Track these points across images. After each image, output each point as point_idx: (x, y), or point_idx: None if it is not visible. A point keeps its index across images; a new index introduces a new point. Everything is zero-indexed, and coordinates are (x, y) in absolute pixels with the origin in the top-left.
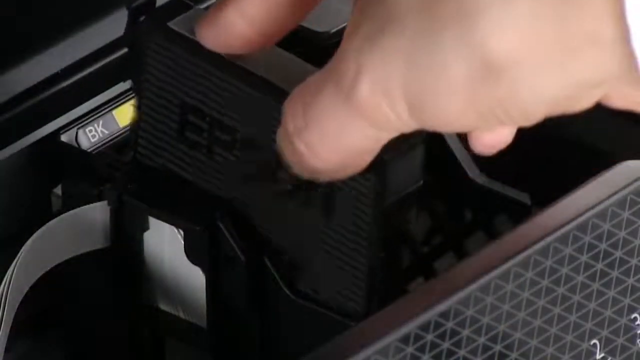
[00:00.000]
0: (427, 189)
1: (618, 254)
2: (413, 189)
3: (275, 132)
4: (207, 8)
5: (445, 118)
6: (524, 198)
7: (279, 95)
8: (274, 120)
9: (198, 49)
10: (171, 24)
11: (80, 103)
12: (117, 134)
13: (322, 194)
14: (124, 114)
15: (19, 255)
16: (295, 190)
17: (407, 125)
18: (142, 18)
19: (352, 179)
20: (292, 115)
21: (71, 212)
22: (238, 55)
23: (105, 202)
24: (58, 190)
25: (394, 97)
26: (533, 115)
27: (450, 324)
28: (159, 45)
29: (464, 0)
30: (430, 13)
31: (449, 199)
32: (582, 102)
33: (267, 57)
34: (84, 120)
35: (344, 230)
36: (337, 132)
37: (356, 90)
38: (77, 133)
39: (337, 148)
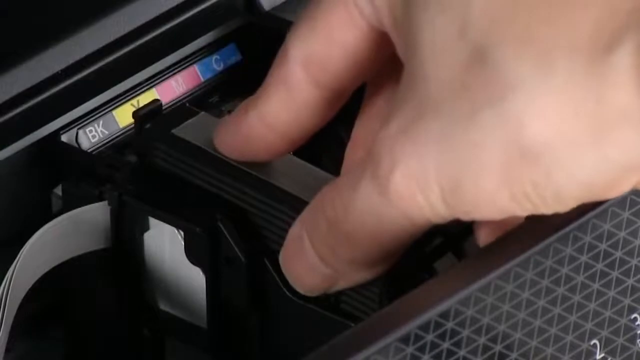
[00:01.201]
0: None
1: (618, 254)
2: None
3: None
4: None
5: (479, 202)
6: None
7: (290, 201)
8: (280, 222)
9: (202, 156)
10: (176, 131)
11: (81, 103)
12: (118, 134)
13: None
14: (124, 114)
15: (19, 255)
16: None
17: (440, 215)
18: (148, 125)
19: None
20: (331, 207)
21: (71, 212)
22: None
23: (105, 203)
24: (58, 190)
25: (427, 185)
26: (567, 200)
27: (450, 324)
28: (164, 153)
29: (500, 79)
30: (463, 96)
31: None
32: (620, 187)
33: (272, 162)
34: (84, 121)
35: None
36: (375, 222)
37: (390, 182)
38: (77, 133)
39: (375, 238)
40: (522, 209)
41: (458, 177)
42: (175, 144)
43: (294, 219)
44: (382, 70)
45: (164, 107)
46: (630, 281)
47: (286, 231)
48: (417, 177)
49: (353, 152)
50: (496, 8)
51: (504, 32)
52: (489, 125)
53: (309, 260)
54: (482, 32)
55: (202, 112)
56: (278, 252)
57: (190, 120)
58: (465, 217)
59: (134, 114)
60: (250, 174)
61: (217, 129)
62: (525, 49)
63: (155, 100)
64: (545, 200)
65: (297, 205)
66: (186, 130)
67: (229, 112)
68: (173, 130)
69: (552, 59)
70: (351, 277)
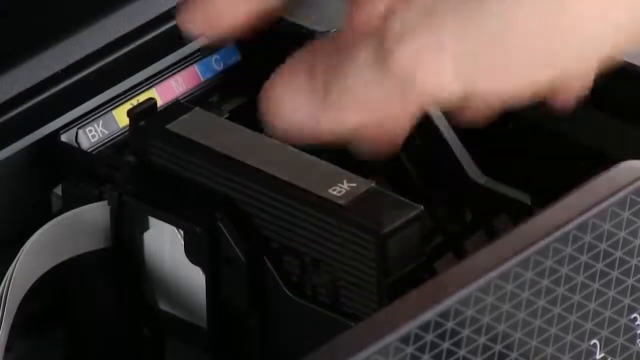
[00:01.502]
0: (427, 190)
1: (618, 254)
2: (414, 266)
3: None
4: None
5: (505, 79)
6: (524, 198)
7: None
8: (279, 212)
9: (198, 150)
10: (170, 127)
11: (80, 103)
12: (117, 134)
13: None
14: (124, 114)
15: (19, 255)
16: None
17: (446, 91)
18: (142, 123)
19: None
20: (325, 58)
21: (71, 212)
22: (234, 150)
23: (105, 202)
24: (58, 190)
25: (443, 61)
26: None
27: (450, 324)
28: (160, 149)
29: None
30: None
31: (448, 199)
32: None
33: (263, 149)
34: (84, 120)
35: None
36: (366, 91)
37: (399, 51)
38: (77, 133)
39: (361, 108)
40: (544, 75)
41: (482, 53)
42: (171, 140)
43: (292, 207)
44: None
45: (164, 106)
46: (630, 281)
47: (286, 227)
48: (432, 50)
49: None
50: None
51: None
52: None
53: (297, 97)
54: None
55: (197, 108)
56: (278, 251)
57: (184, 116)
58: (475, 94)
59: (129, 113)
60: (247, 165)
61: (185, 7)
62: None
63: (150, 99)
64: (569, 59)
65: (295, 194)
66: (181, 126)
67: (229, 112)
68: (168, 126)
69: None
70: (334, 125)
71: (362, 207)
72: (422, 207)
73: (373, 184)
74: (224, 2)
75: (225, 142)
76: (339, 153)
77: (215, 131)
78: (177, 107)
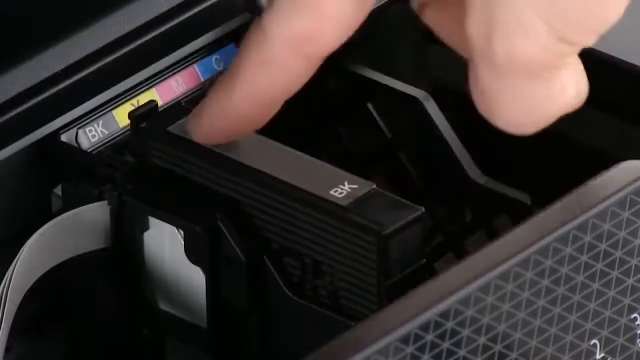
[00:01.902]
0: (427, 190)
1: (618, 254)
2: (415, 267)
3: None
4: None
5: None
6: (524, 198)
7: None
8: (280, 213)
9: (197, 151)
10: (171, 128)
11: (80, 103)
12: (117, 133)
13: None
14: (124, 114)
15: (19, 255)
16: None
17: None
18: (143, 124)
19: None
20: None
21: (71, 212)
22: (235, 152)
23: (105, 202)
24: (58, 190)
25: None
26: None
27: (450, 324)
28: (160, 151)
29: None
30: None
31: (448, 199)
32: None
33: (264, 151)
34: (84, 120)
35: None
36: None
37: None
38: (77, 133)
39: None
40: None
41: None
42: (172, 141)
43: (294, 209)
44: None
45: (164, 106)
46: (630, 281)
47: (287, 228)
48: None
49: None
50: None
51: None
52: None
53: None
54: None
55: None
56: (279, 252)
57: (185, 118)
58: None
59: (130, 115)
60: (248, 166)
61: (194, 119)
62: None
63: (151, 101)
64: None
65: (296, 195)
66: (182, 128)
67: None
68: (169, 128)
69: None
70: None
71: (363, 208)
72: (423, 208)
73: (374, 186)
74: (245, 106)
75: (225, 143)
76: (338, 153)
77: None
78: (178, 109)
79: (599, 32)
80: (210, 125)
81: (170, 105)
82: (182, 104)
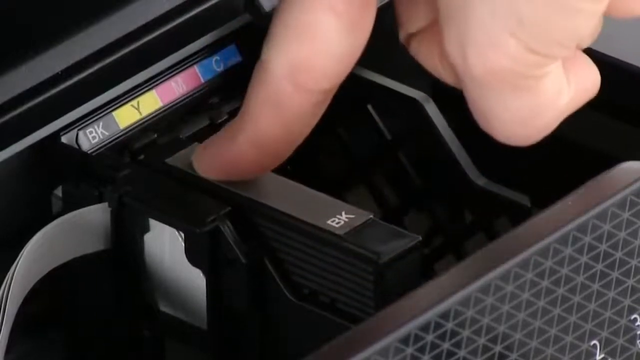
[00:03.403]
0: (427, 191)
1: (618, 254)
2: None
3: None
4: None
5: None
6: (524, 200)
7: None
8: (277, 244)
9: (196, 183)
10: (169, 161)
11: (81, 104)
12: (118, 135)
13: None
14: (125, 115)
15: (19, 257)
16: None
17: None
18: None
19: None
20: None
21: (71, 213)
22: (235, 184)
23: (105, 204)
24: (58, 191)
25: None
26: None
27: (450, 325)
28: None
29: None
30: None
31: (449, 201)
32: None
33: (263, 183)
34: (84, 122)
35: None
36: None
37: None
38: (77, 134)
39: None
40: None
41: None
42: (170, 174)
43: (291, 238)
44: None
45: (164, 107)
46: (630, 282)
47: (285, 259)
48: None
49: None
50: None
51: None
52: None
53: None
54: None
55: (195, 143)
56: (279, 253)
57: (183, 150)
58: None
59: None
60: (246, 197)
61: (200, 154)
62: None
63: (150, 133)
64: None
65: (293, 225)
66: (180, 160)
67: (229, 113)
68: (167, 160)
69: None
70: None
71: (360, 237)
72: (420, 237)
73: (371, 216)
74: (249, 149)
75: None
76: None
77: None
78: (176, 142)
79: (569, 45)
80: (214, 163)
81: (169, 140)
82: (181, 137)
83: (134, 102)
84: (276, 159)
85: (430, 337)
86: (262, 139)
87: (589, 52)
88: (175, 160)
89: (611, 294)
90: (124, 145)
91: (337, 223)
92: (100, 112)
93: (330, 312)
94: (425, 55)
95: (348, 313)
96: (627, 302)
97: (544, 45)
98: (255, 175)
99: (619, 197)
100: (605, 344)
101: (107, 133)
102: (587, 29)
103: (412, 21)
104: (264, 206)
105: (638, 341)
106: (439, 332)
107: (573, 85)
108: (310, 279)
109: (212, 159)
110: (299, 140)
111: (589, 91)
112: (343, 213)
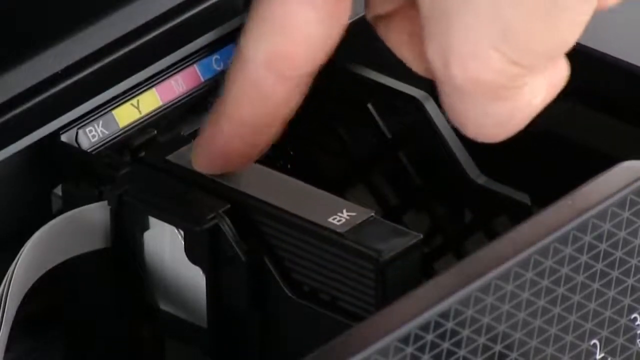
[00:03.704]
0: (427, 190)
1: (618, 254)
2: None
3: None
4: None
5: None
6: (524, 198)
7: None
8: (278, 241)
9: (197, 180)
10: (170, 158)
11: (80, 103)
12: (117, 134)
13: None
14: (124, 114)
15: (19, 255)
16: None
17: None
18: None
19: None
20: None
21: (71, 212)
22: (236, 181)
23: (105, 202)
24: (58, 190)
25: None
26: None
27: (450, 324)
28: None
29: None
30: None
31: (448, 200)
32: None
33: (264, 180)
34: (84, 120)
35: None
36: None
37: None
38: (77, 133)
39: None
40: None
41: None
42: (171, 171)
43: (292, 236)
44: None
45: (164, 106)
46: (630, 281)
47: (285, 256)
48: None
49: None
50: None
51: None
52: None
53: None
54: None
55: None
56: (279, 250)
57: (184, 147)
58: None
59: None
60: (247, 194)
61: (194, 150)
62: None
63: (150, 130)
64: None
65: (294, 223)
66: (181, 157)
67: None
68: (168, 157)
69: None
70: None
71: (361, 235)
72: (421, 235)
73: (372, 213)
74: (234, 135)
75: (225, 172)
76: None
77: None
78: (177, 139)
79: (554, 55)
80: (206, 156)
81: (171, 136)
82: (183, 134)
83: (134, 101)
84: (265, 142)
85: (430, 337)
86: (246, 121)
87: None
88: (176, 157)
89: (611, 294)
90: (124, 142)
91: (338, 221)
92: (100, 111)
93: (331, 310)
94: (394, 41)
95: (348, 311)
96: (627, 301)
97: (529, 57)
98: (245, 165)
99: (619, 196)
100: (605, 343)
101: (106, 132)
102: (574, 36)
103: (379, 3)
104: (264, 203)
105: (638, 340)
106: (439, 331)
107: (546, 84)
108: (311, 277)
109: (203, 153)
110: (282, 123)
111: (557, 86)
112: (344, 211)
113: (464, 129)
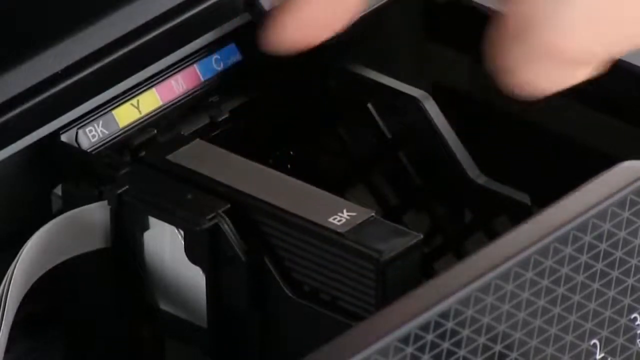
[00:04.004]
0: (427, 190)
1: (618, 254)
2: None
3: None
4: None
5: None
6: (524, 198)
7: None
8: (278, 241)
9: (197, 179)
10: (170, 157)
11: (80, 103)
12: (117, 134)
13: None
14: (124, 114)
15: (19, 255)
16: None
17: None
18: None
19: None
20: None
21: (71, 212)
22: (236, 180)
23: (105, 202)
24: (58, 190)
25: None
26: None
27: (450, 324)
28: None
29: None
30: None
31: (448, 200)
32: None
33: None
34: (84, 120)
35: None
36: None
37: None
38: (77, 133)
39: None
40: None
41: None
42: (171, 170)
43: (292, 236)
44: None
45: (164, 106)
46: (630, 281)
47: (285, 256)
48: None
49: None
50: None
51: None
52: None
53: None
54: None
55: (197, 140)
56: (279, 250)
57: (184, 147)
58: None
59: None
60: (248, 194)
61: (274, 21)
62: None
63: (150, 130)
64: None
65: (295, 222)
66: (181, 157)
67: (230, 112)
68: (168, 157)
69: None
70: None
71: (361, 235)
72: (421, 235)
73: (373, 213)
74: (318, 8)
75: (225, 172)
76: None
77: (215, 162)
78: (177, 139)
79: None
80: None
81: (171, 136)
82: (183, 134)
83: (134, 101)
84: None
85: (430, 337)
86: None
87: None
88: (176, 157)
89: (611, 293)
90: (124, 142)
91: (339, 220)
92: (100, 111)
93: (331, 310)
94: None
95: (349, 311)
96: (627, 301)
97: (621, 49)
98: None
99: (619, 196)
100: (605, 343)
101: (106, 132)
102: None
103: None
104: (264, 203)
105: (638, 340)
106: (439, 331)
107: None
108: (311, 277)
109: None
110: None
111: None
112: (344, 210)
113: (506, 83)
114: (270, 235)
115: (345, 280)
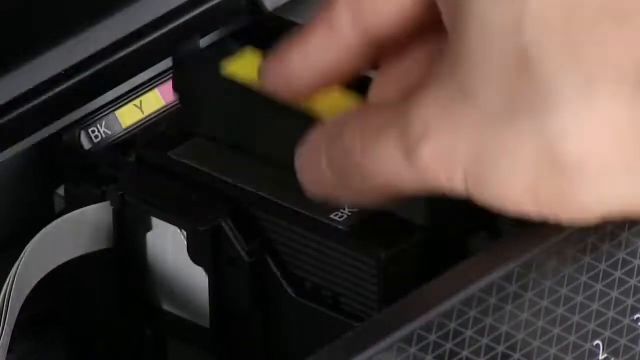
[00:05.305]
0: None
1: (621, 254)
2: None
3: None
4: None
5: (500, 198)
6: None
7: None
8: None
9: (198, 176)
10: (171, 153)
11: (83, 103)
12: (120, 134)
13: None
14: (127, 115)
15: (21, 255)
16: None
17: (459, 194)
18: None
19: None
20: (350, 139)
21: (74, 212)
22: (237, 177)
23: (108, 203)
24: (61, 190)
25: (453, 167)
26: (591, 215)
27: (453, 325)
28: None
29: (546, 91)
30: (510, 95)
31: (449, 199)
32: None
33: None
34: (86, 121)
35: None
36: (390, 176)
37: (418, 152)
38: (79, 133)
39: (386, 186)
40: (542, 215)
41: (485, 172)
42: (172, 166)
43: (294, 232)
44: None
45: (166, 106)
46: (633, 281)
47: (286, 252)
48: (445, 157)
49: (382, 87)
50: (552, 12)
51: (557, 41)
52: (526, 133)
53: (321, 171)
54: (535, 35)
55: (197, 139)
56: (281, 251)
57: (186, 143)
58: (481, 203)
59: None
60: (248, 191)
61: (262, 65)
62: (575, 66)
63: (155, 125)
64: (569, 212)
65: (296, 219)
66: (182, 153)
67: None
68: (169, 153)
69: (598, 82)
70: (356, 201)
71: (363, 231)
72: (424, 232)
73: (374, 210)
74: (300, 66)
75: (227, 169)
76: None
77: (216, 159)
78: (179, 135)
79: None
80: (270, 74)
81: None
82: (184, 131)
83: (137, 101)
84: (324, 83)
85: (433, 337)
86: (313, 57)
87: None
88: (177, 153)
89: (614, 294)
90: (127, 143)
91: (340, 217)
92: (103, 111)
93: (333, 310)
94: None
95: (350, 309)
96: (630, 301)
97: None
98: (306, 94)
99: None
100: (608, 343)
101: (109, 132)
102: None
103: None
104: (266, 200)
105: None
106: (442, 331)
107: None
108: (313, 274)
109: (270, 70)
110: (349, 74)
111: None
112: (346, 207)
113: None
114: (271, 232)
115: (347, 276)
